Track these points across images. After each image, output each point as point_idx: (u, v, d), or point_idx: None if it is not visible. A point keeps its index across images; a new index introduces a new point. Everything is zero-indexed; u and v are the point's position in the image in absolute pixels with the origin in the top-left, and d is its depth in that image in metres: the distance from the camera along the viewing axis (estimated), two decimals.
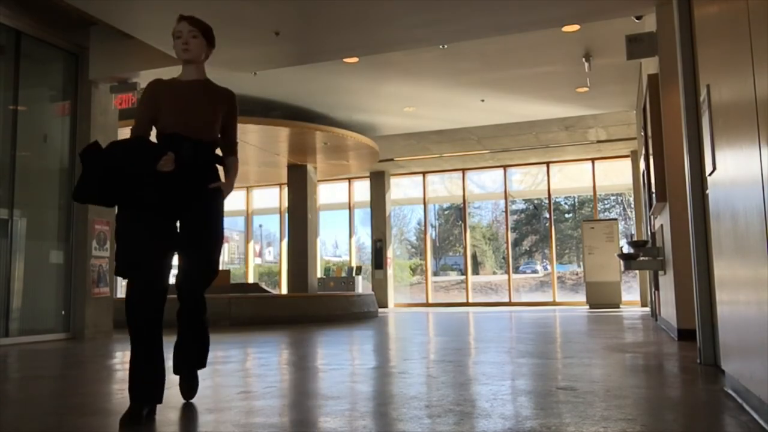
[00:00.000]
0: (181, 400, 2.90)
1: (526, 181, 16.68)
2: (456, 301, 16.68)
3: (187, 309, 2.85)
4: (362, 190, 16.84)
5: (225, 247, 18.84)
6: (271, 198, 17.74)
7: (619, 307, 12.56)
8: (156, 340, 2.65)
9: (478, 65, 8.83)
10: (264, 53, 7.44)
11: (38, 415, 2.83)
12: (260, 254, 19.20)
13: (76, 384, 3.81)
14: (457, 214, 18.12)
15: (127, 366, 2.62)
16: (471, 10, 6.28)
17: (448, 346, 5.68)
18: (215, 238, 2.87)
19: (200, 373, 3.02)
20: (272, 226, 18.76)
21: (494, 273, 19.24)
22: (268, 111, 10.62)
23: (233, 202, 17.79)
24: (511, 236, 16.95)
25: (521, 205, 19.12)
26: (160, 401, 2.65)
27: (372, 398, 3.13)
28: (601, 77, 9.03)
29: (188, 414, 2.65)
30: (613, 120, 11.69)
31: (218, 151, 3.00)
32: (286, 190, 14.16)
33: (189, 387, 2.96)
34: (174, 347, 2.88)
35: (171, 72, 3.00)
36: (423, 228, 17.35)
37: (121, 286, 15.65)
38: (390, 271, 16.04)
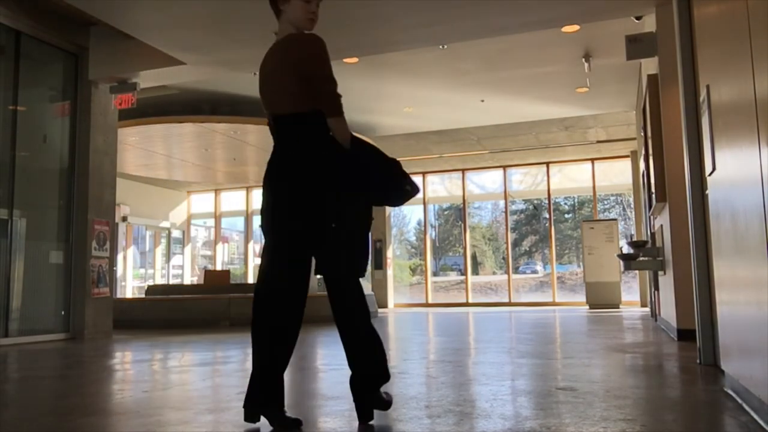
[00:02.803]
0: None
1: (526, 182, 16.67)
2: (456, 301, 16.66)
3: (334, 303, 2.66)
4: None
5: (225, 248, 18.83)
6: None
7: (618, 308, 12.55)
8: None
9: (478, 65, 8.83)
10: (264, 53, 7.43)
11: (38, 415, 2.83)
12: (260, 254, 19.19)
13: (76, 384, 3.81)
14: (457, 214, 18.11)
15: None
16: (471, 10, 6.28)
17: (447, 346, 5.68)
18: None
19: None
20: None
21: (494, 273, 19.23)
22: None
23: (232, 202, 17.77)
24: (510, 236, 16.94)
25: (521, 206, 19.10)
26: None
27: None
28: (601, 77, 9.03)
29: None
30: (613, 120, 11.69)
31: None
32: None
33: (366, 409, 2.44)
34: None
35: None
36: (423, 228, 17.34)
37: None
38: (390, 272, 16.02)
